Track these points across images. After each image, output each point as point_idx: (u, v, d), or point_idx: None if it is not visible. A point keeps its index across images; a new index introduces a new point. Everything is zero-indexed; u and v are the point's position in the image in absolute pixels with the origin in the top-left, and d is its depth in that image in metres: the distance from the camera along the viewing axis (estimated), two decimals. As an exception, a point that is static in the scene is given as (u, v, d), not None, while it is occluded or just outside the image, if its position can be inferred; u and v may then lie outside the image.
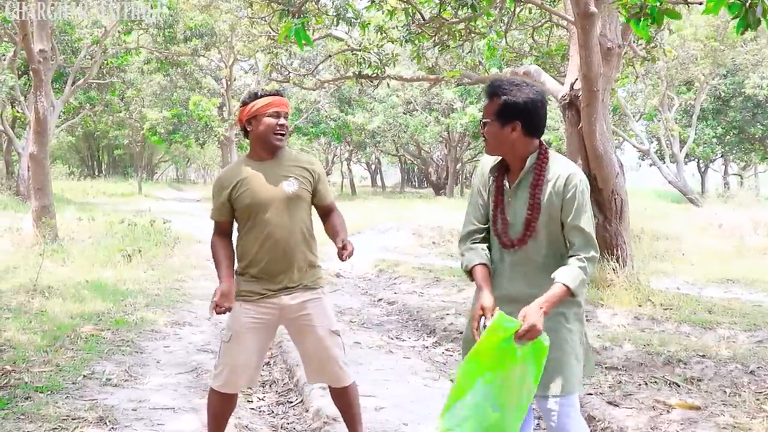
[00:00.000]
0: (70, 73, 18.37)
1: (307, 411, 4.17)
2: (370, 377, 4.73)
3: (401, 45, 10.06)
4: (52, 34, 13.38)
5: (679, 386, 4.31)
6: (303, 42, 6.20)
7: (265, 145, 3.07)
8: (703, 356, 4.78)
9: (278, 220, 3.01)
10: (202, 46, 23.02)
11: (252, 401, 4.45)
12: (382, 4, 8.92)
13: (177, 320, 6.38)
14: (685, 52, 21.83)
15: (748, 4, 3.87)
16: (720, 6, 3.86)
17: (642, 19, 4.54)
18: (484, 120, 2.53)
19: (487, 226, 2.63)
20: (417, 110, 31.18)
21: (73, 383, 4.22)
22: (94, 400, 3.95)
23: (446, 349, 5.82)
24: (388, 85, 20.14)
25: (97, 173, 45.21)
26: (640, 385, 4.37)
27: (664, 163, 25.73)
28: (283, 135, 3.07)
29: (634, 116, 25.84)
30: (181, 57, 22.86)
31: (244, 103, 3.09)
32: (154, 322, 6.16)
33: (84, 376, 4.38)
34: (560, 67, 10.92)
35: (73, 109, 22.99)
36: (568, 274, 2.40)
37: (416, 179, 51.66)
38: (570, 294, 2.40)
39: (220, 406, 3.11)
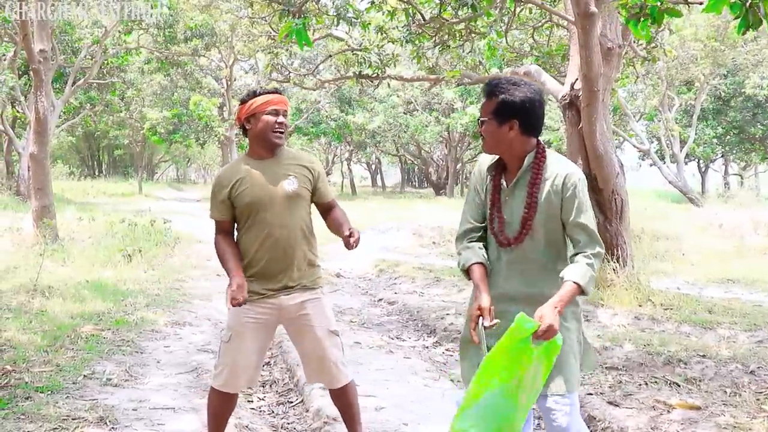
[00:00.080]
0: (70, 73, 18.36)
1: (307, 411, 4.17)
2: (371, 377, 4.73)
3: (401, 45, 10.07)
4: (52, 34, 13.38)
5: (679, 386, 4.31)
6: (303, 43, 6.21)
7: (264, 143, 3.06)
8: (704, 356, 4.78)
9: (278, 219, 3.01)
10: (203, 46, 23.04)
11: (252, 401, 4.45)
12: (382, 5, 8.92)
13: (177, 320, 6.38)
14: (685, 52, 21.82)
15: (748, 4, 3.87)
16: (722, 5, 3.86)
17: (642, 19, 4.54)
18: (481, 118, 2.53)
19: (484, 225, 2.63)
20: (417, 110, 31.19)
21: (74, 383, 4.22)
22: (94, 400, 3.95)
23: (446, 349, 5.81)
24: (388, 85, 20.19)
25: (97, 173, 45.20)
26: (640, 385, 4.37)
27: (665, 163, 25.73)
28: (282, 133, 3.06)
29: (634, 116, 25.82)
30: (181, 57, 22.86)
31: (243, 102, 3.09)
32: (155, 322, 6.16)
33: (84, 376, 4.38)
34: (560, 67, 10.92)
35: (74, 109, 22.99)
36: (577, 272, 2.41)
37: (416, 179, 51.68)
38: (581, 291, 2.40)
39: (221, 405, 3.11)
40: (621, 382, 4.44)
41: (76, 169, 42.29)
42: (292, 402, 4.45)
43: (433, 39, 9.80)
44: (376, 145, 35.10)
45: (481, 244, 2.61)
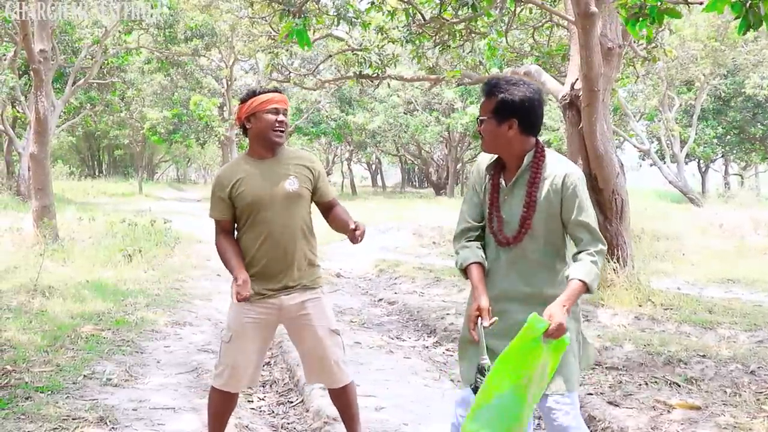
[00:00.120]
0: (70, 73, 18.36)
1: (307, 411, 4.17)
2: (371, 377, 4.73)
3: (402, 45, 10.07)
4: (52, 34, 13.37)
5: (679, 386, 4.31)
6: (303, 43, 6.21)
7: (264, 143, 3.06)
8: (704, 356, 4.78)
9: (279, 218, 3.00)
10: (203, 46, 23.02)
11: (252, 401, 4.45)
12: (382, 5, 8.92)
13: (177, 320, 6.38)
14: (685, 52, 21.80)
15: (749, 5, 3.87)
16: (722, 5, 3.86)
17: (641, 19, 4.53)
18: (480, 117, 2.54)
19: (482, 224, 2.63)
20: (417, 110, 31.19)
21: (74, 383, 4.22)
22: (94, 400, 3.95)
23: (447, 349, 5.81)
24: (388, 85, 20.19)
25: (97, 173, 45.20)
26: (640, 385, 4.37)
27: (665, 163, 25.72)
28: (282, 132, 3.05)
29: (634, 116, 25.81)
30: (181, 57, 22.87)
31: (243, 101, 3.08)
32: (155, 322, 6.16)
33: (84, 376, 4.38)
34: (561, 67, 10.92)
35: (74, 109, 22.99)
36: (582, 270, 2.41)
37: (417, 179, 51.68)
38: (586, 289, 2.40)
39: (221, 405, 3.11)
40: (621, 382, 4.44)
41: (77, 169, 42.24)
42: (292, 402, 4.45)
43: (433, 39, 9.80)
44: (377, 145, 35.10)
45: (479, 244, 2.61)
